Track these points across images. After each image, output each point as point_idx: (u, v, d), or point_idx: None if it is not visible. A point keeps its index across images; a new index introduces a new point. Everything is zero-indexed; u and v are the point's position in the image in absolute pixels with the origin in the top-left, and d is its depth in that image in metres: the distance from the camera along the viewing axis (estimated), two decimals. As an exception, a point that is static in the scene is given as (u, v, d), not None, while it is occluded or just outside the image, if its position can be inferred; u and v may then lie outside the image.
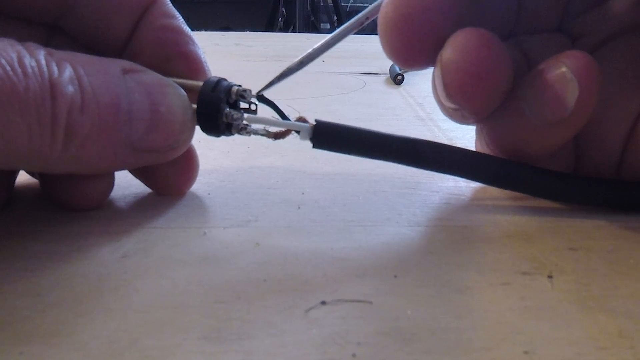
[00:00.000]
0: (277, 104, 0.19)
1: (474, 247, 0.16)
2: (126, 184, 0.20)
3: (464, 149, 0.19)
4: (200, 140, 0.19)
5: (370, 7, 0.19)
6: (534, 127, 0.18)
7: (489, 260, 0.16)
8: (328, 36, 0.19)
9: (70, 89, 0.14)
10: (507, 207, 0.20)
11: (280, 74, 0.19)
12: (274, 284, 0.14)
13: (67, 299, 0.13)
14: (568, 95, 0.17)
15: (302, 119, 0.19)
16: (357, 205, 0.19)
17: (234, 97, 0.18)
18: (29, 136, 0.13)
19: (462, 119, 0.19)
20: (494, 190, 0.21)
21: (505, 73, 0.17)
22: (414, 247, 0.17)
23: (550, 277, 0.15)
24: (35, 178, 0.20)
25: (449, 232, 0.18)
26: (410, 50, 0.18)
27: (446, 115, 0.20)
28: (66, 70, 0.14)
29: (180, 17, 0.19)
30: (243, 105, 0.18)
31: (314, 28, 2.36)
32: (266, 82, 0.19)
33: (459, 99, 0.17)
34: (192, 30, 0.19)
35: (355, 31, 0.19)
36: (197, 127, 0.18)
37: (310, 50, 0.19)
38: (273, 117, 0.18)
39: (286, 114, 0.19)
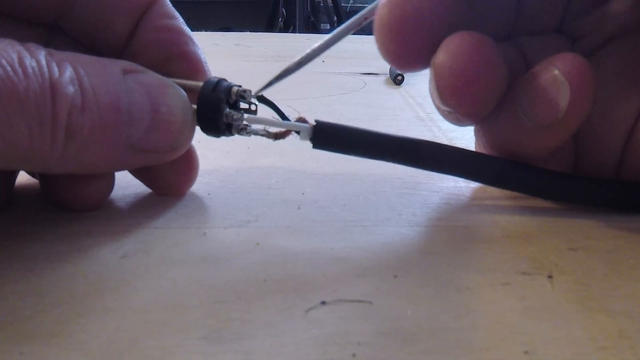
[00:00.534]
0: (277, 105, 0.19)
1: (474, 247, 0.16)
2: (126, 184, 0.20)
3: (464, 149, 0.19)
4: (200, 140, 0.19)
5: (368, 7, 0.19)
6: (528, 129, 0.18)
7: (489, 260, 0.16)
8: (326, 37, 0.19)
9: (70, 89, 0.14)
10: (507, 207, 0.20)
11: (278, 75, 0.19)
12: (274, 284, 0.14)
13: (67, 299, 0.13)
14: (560, 98, 0.17)
15: (302, 120, 0.19)
16: (357, 205, 0.19)
17: (234, 97, 0.18)
18: (29, 137, 0.13)
19: (457, 122, 0.19)
20: (494, 191, 0.21)
21: (498, 77, 0.17)
22: (414, 247, 0.17)
23: (550, 277, 0.15)
24: (36, 178, 0.20)
25: (448, 232, 0.18)
26: (405, 52, 0.18)
27: (442, 117, 0.20)
28: (67, 70, 0.14)
29: (180, 18, 0.19)
30: (243, 105, 0.18)
31: (314, 28, 2.36)
32: (265, 83, 0.19)
33: (452, 103, 0.17)
34: (192, 30, 0.19)
35: (353, 32, 0.19)
36: (197, 128, 0.18)
37: (308, 50, 0.19)
38: (273, 117, 0.18)
39: (286, 114, 0.19)
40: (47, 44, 0.18)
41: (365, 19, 0.19)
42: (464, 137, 0.29)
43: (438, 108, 0.19)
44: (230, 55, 0.67)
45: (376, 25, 0.18)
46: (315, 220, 0.18)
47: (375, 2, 0.18)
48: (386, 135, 0.19)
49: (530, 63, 0.20)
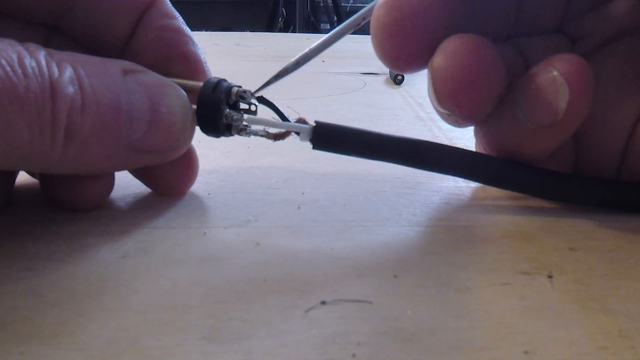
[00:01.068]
0: (277, 105, 0.19)
1: (474, 247, 0.16)
2: (126, 184, 0.20)
3: (464, 149, 0.19)
4: (200, 140, 0.19)
5: (367, 7, 0.19)
6: (527, 130, 0.18)
7: (489, 260, 0.16)
8: (325, 36, 0.19)
9: (70, 89, 0.14)
10: (507, 207, 0.20)
11: (276, 74, 0.19)
12: (274, 284, 0.14)
13: (67, 299, 0.13)
14: (559, 99, 0.17)
15: (301, 120, 0.19)
16: (357, 205, 0.19)
17: (234, 98, 0.18)
18: (29, 137, 0.13)
19: (455, 123, 0.19)
20: (494, 190, 0.21)
21: (496, 79, 0.17)
22: (414, 247, 0.17)
23: (550, 277, 0.15)
24: (35, 178, 0.20)
25: (448, 232, 0.18)
26: (401, 53, 0.18)
27: (441, 118, 0.20)
28: (66, 70, 0.14)
29: (180, 17, 0.19)
30: (243, 106, 0.18)
31: (314, 28, 2.36)
32: (262, 83, 0.19)
33: (450, 105, 0.17)
34: (192, 30, 0.19)
35: (351, 31, 0.19)
36: (197, 128, 0.18)
37: (306, 50, 0.19)
38: (273, 118, 0.18)
39: (286, 115, 0.19)
40: (46, 44, 0.18)
41: (364, 19, 0.19)
42: (464, 137, 0.29)
43: (436, 110, 0.19)
44: (230, 55, 0.67)
45: (373, 26, 0.18)
46: (315, 220, 0.18)
47: (374, 2, 0.18)
48: (386, 135, 0.19)
49: (530, 64, 0.20)
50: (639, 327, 0.13)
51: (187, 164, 0.20)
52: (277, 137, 0.19)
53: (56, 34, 0.18)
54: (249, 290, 0.14)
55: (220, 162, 0.24)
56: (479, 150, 0.22)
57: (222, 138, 0.18)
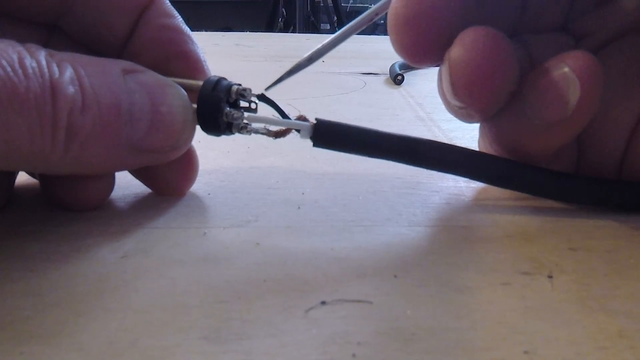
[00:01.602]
0: (277, 103, 0.19)
1: (474, 247, 0.16)
2: (126, 184, 0.20)
3: (464, 148, 0.19)
4: (200, 140, 0.19)
5: (379, 3, 0.19)
6: (534, 127, 0.18)
7: (489, 260, 0.16)
8: (336, 33, 0.19)
9: (71, 89, 0.14)
10: (507, 207, 0.20)
11: (289, 70, 0.19)
12: (274, 284, 0.14)
13: (67, 299, 0.13)
14: (569, 95, 0.17)
15: (302, 118, 0.19)
16: (357, 205, 0.19)
17: (234, 96, 0.18)
18: (29, 137, 0.13)
19: (467, 117, 0.19)
20: (493, 190, 0.21)
21: (512, 72, 0.17)
22: (414, 247, 0.17)
23: (550, 277, 0.15)
24: (35, 179, 0.20)
25: (449, 232, 0.18)
26: (420, 46, 0.18)
27: (451, 113, 0.20)
28: (67, 71, 0.14)
29: (179, 17, 0.19)
30: (243, 104, 0.18)
31: (314, 28, 2.36)
32: (269, 80, 0.19)
33: (466, 98, 0.17)
34: (192, 30, 0.19)
35: (364, 27, 0.19)
36: (197, 127, 0.18)
37: (319, 46, 0.19)
38: (273, 115, 0.18)
39: (286, 112, 0.19)
40: (46, 44, 0.18)
41: (377, 14, 0.19)
42: (464, 137, 0.29)
43: (448, 103, 0.19)
44: (230, 55, 0.67)
45: (390, 20, 0.18)
46: (315, 220, 0.18)
47: None
48: (386, 133, 0.19)
49: (534, 61, 0.20)
50: (639, 327, 0.13)
51: (187, 164, 0.20)
52: (277, 134, 0.19)
53: (55, 34, 0.18)
54: (249, 290, 0.14)
55: (220, 162, 0.24)
56: (483, 148, 0.22)
57: (222, 137, 0.18)
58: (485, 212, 0.19)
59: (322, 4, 2.42)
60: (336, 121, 0.19)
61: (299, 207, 0.19)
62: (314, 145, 0.19)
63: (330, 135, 0.18)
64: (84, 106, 0.14)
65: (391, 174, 0.22)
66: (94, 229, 0.17)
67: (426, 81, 0.48)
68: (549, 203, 0.20)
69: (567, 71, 0.17)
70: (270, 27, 2.30)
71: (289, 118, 0.18)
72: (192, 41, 0.19)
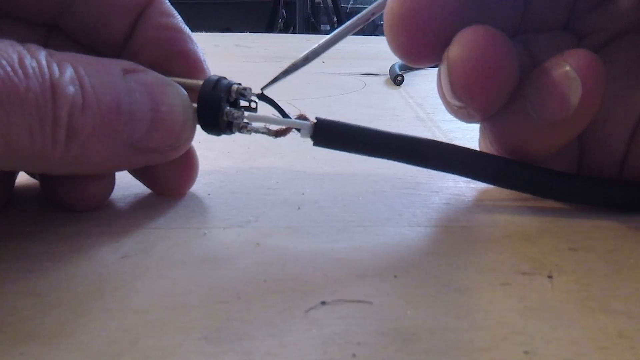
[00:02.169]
0: (278, 103, 0.19)
1: (474, 247, 0.16)
2: (126, 185, 0.20)
3: (464, 147, 0.19)
4: (200, 140, 0.19)
5: (376, 3, 0.19)
6: (537, 126, 0.18)
7: (489, 260, 0.16)
8: (332, 33, 0.19)
9: (71, 89, 0.14)
10: (507, 207, 0.20)
11: (285, 69, 0.19)
12: (274, 284, 0.14)
13: (67, 300, 0.13)
14: (571, 94, 0.17)
15: (302, 117, 0.19)
16: (357, 206, 0.19)
17: (234, 95, 0.18)
18: (30, 137, 0.13)
19: (467, 117, 0.19)
20: (494, 191, 0.21)
21: (511, 71, 0.17)
22: (414, 247, 0.17)
23: (550, 277, 0.15)
24: (35, 179, 0.20)
25: (448, 232, 0.18)
26: (417, 46, 0.18)
27: (450, 113, 0.20)
28: (67, 70, 0.14)
29: (179, 16, 0.19)
30: (243, 103, 0.18)
31: (314, 29, 2.37)
32: (268, 80, 0.19)
33: (465, 97, 0.17)
34: (192, 31, 0.19)
35: (360, 27, 0.19)
36: (197, 127, 0.18)
37: (315, 46, 0.19)
38: (274, 115, 0.18)
39: (286, 111, 0.19)
40: (45, 43, 0.18)
41: (373, 14, 0.19)
42: (464, 138, 0.29)
43: (447, 103, 0.19)
44: (230, 56, 0.67)
45: (387, 19, 0.18)
46: (315, 220, 0.18)
47: None
48: (387, 132, 0.19)
49: (536, 60, 0.20)
50: (639, 327, 0.13)
51: (187, 164, 0.20)
52: (278, 133, 0.19)
53: (55, 34, 0.18)
54: (249, 290, 0.14)
55: (220, 163, 0.24)
56: (483, 148, 0.22)
57: (222, 137, 0.18)
58: (485, 212, 0.19)
59: (322, 5, 2.42)
60: (336, 120, 0.19)
61: (299, 208, 0.19)
62: (314, 144, 0.19)
63: (330, 134, 0.18)
64: (84, 106, 0.14)
65: (391, 175, 0.22)
66: (94, 229, 0.17)
67: (426, 82, 0.48)
68: (549, 203, 0.20)
69: (569, 70, 0.17)
70: (270, 28, 2.30)
71: (289, 117, 0.18)
72: (192, 41, 0.19)
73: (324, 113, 0.19)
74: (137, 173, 0.20)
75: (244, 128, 0.18)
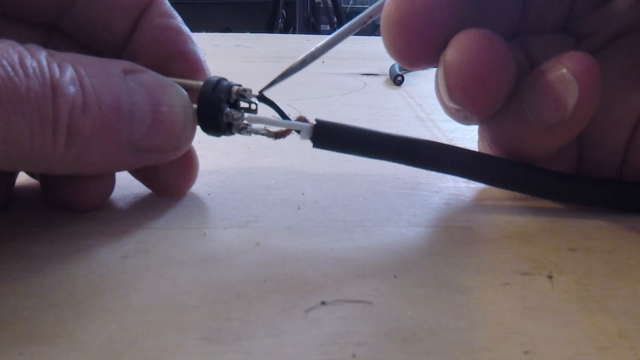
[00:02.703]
0: (278, 104, 0.19)
1: (473, 247, 0.16)
2: (126, 185, 0.20)
3: (464, 148, 0.19)
4: (200, 141, 0.19)
5: (373, 5, 0.19)
6: (534, 128, 0.18)
7: (489, 260, 0.16)
8: (330, 35, 0.19)
9: (71, 89, 0.14)
10: (507, 207, 0.20)
11: (282, 73, 0.19)
12: (274, 284, 0.14)
13: (67, 300, 0.13)
14: (568, 96, 0.17)
15: (302, 119, 0.19)
16: (357, 206, 0.19)
17: (234, 96, 0.18)
18: (30, 137, 0.13)
19: (464, 119, 0.19)
20: (494, 191, 0.21)
21: (508, 74, 0.17)
22: (414, 247, 0.17)
23: (550, 277, 0.15)
24: (35, 179, 0.20)
25: (448, 232, 0.18)
26: (413, 49, 0.18)
27: (448, 115, 0.20)
28: (67, 71, 0.14)
29: (179, 17, 0.19)
30: (243, 104, 0.18)
31: (314, 29, 2.37)
32: (267, 82, 0.19)
33: (462, 100, 0.17)
34: (192, 31, 0.19)
35: (357, 30, 0.19)
36: (197, 128, 0.18)
37: (312, 49, 0.19)
38: (273, 116, 0.18)
39: (286, 113, 0.19)
40: (46, 44, 0.18)
41: (370, 17, 0.19)
42: (464, 138, 0.29)
43: (445, 106, 0.19)
44: (230, 56, 0.67)
45: (383, 23, 0.18)
46: (315, 220, 0.18)
47: (381, 1, 0.18)
48: (386, 134, 0.19)
49: (535, 62, 0.20)
50: (639, 327, 0.13)
51: (187, 165, 0.20)
52: (277, 135, 0.19)
53: (55, 34, 0.18)
54: (249, 290, 0.14)
55: (220, 163, 0.24)
56: (482, 149, 0.22)
57: (222, 138, 0.18)
58: (485, 212, 0.19)
59: (322, 5, 2.42)
60: (336, 122, 0.19)
61: (298, 208, 0.19)
62: (314, 146, 0.19)
63: (330, 136, 0.18)
64: (85, 106, 0.14)
65: (391, 175, 0.22)
66: (94, 230, 0.17)
67: (426, 82, 0.48)
68: (549, 203, 0.20)
69: (565, 72, 0.17)
70: (270, 28, 2.30)
71: (289, 119, 0.18)
72: (192, 41, 0.19)
73: (324, 113, 0.19)
74: (137, 173, 0.20)
75: (243, 129, 0.18)
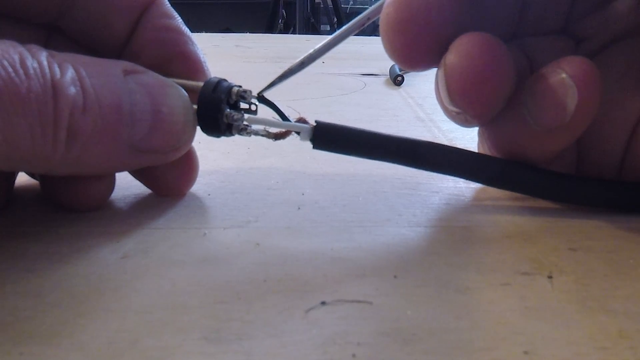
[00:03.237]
0: (277, 105, 0.19)
1: (474, 247, 0.17)
2: (126, 185, 0.20)
3: (464, 149, 0.19)
4: (200, 141, 0.19)
5: (372, 7, 0.19)
6: (534, 132, 0.18)
7: (489, 260, 0.16)
8: (329, 37, 0.19)
9: (72, 90, 0.14)
10: (507, 207, 0.20)
11: (281, 75, 0.19)
12: (274, 285, 0.14)
13: (68, 300, 0.13)
14: (567, 101, 0.17)
15: (302, 120, 0.19)
16: (357, 206, 0.19)
17: (234, 97, 0.18)
18: (31, 137, 0.13)
19: (464, 123, 0.19)
20: (494, 191, 0.21)
21: (508, 78, 0.17)
22: (414, 247, 0.17)
23: (550, 277, 0.15)
24: (35, 179, 0.20)
25: (448, 232, 0.18)
26: (412, 51, 0.18)
27: (449, 118, 0.20)
28: (68, 71, 0.14)
29: (179, 18, 0.19)
30: (243, 105, 0.18)
31: (314, 30, 2.37)
32: (267, 83, 0.19)
33: (462, 104, 0.17)
34: (193, 31, 0.19)
35: (356, 32, 0.19)
36: (197, 128, 0.18)
37: (311, 51, 0.19)
38: (273, 117, 0.18)
39: (286, 114, 0.19)
40: (46, 44, 0.18)
41: (368, 19, 0.19)
42: (464, 138, 0.29)
43: (445, 109, 0.19)
44: (230, 56, 0.67)
45: (382, 24, 0.18)
46: (315, 220, 0.18)
47: (379, 3, 0.18)
48: (386, 135, 0.19)
49: (534, 64, 0.20)
50: (639, 327, 0.13)
51: (187, 165, 0.20)
52: (277, 136, 0.19)
53: (55, 35, 0.18)
54: (249, 290, 0.14)
55: (220, 163, 0.24)
56: (482, 151, 0.22)
57: (222, 138, 0.18)
58: (485, 212, 0.19)
59: (322, 5, 2.43)
60: (336, 123, 0.19)
61: (298, 208, 0.19)
62: (314, 147, 0.19)
63: (329, 137, 0.19)
64: (85, 107, 0.14)
65: (391, 175, 0.22)
66: (95, 230, 0.17)
67: (426, 82, 0.48)
68: (549, 203, 0.20)
69: (565, 77, 0.17)
70: (270, 29, 2.30)
71: (288, 120, 0.19)
72: (192, 42, 0.19)
73: (324, 113, 0.19)
74: (137, 173, 0.20)
75: (243, 130, 0.18)
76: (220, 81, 0.18)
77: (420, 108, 0.37)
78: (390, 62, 0.50)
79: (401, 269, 0.15)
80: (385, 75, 0.51)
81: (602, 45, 0.20)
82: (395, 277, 0.15)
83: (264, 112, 0.18)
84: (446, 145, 0.20)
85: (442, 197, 0.20)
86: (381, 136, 0.19)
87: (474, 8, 0.19)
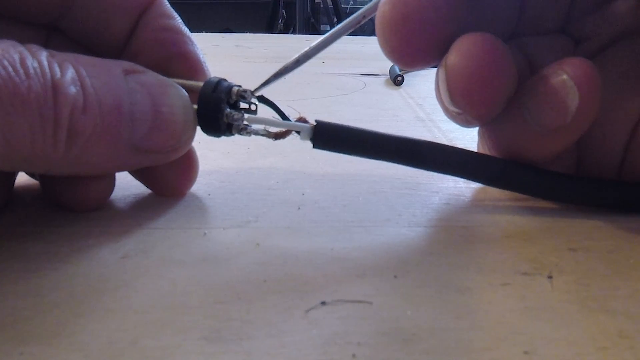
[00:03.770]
0: (277, 105, 0.19)
1: (474, 247, 0.17)
2: (126, 185, 0.20)
3: (464, 149, 0.19)
4: (200, 141, 0.19)
5: (367, 5, 0.19)
6: (534, 132, 0.18)
7: (489, 260, 0.16)
8: (325, 35, 0.19)
9: (72, 90, 0.14)
10: (507, 207, 0.20)
11: (276, 73, 0.19)
12: (274, 285, 0.14)
13: (68, 300, 0.13)
14: (568, 102, 0.17)
15: (302, 119, 0.19)
16: (357, 206, 0.19)
17: (234, 97, 0.18)
18: (31, 137, 0.13)
19: (465, 123, 0.19)
20: (494, 191, 0.21)
21: (509, 79, 0.17)
22: (414, 247, 0.17)
23: (550, 277, 0.15)
24: (35, 179, 0.20)
25: (448, 232, 0.18)
26: (408, 49, 0.18)
27: (449, 118, 0.20)
28: (68, 71, 0.14)
29: (179, 18, 0.19)
30: (243, 105, 0.18)
31: (314, 29, 2.37)
32: (262, 81, 0.19)
33: (463, 104, 0.17)
34: (192, 31, 0.19)
35: (352, 30, 0.19)
36: (198, 128, 0.18)
37: (306, 49, 0.19)
38: (273, 117, 0.18)
39: (286, 114, 0.19)
40: (46, 44, 0.18)
41: (364, 17, 0.19)
42: (464, 138, 0.29)
43: (446, 109, 0.19)
44: (230, 56, 0.67)
45: (378, 23, 0.18)
46: (315, 220, 0.18)
47: (375, 1, 0.18)
48: (386, 135, 0.19)
49: (534, 64, 0.20)
50: (639, 327, 0.13)
51: (187, 165, 0.20)
52: (277, 136, 0.19)
53: (55, 35, 0.18)
54: (249, 290, 0.14)
55: (220, 163, 0.24)
56: (482, 151, 0.22)
57: (222, 138, 0.18)
58: (485, 212, 0.19)
59: (322, 5, 2.42)
60: (336, 123, 0.19)
61: (299, 208, 0.19)
62: (314, 146, 0.19)
63: (330, 137, 0.18)
64: (86, 106, 0.14)
65: (391, 175, 0.22)
66: (95, 230, 0.17)
67: (426, 82, 0.48)
68: (549, 203, 0.20)
69: (566, 78, 0.17)
70: (270, 28, 2.30)
71: (288, 120, 0.19)
72: (192, 42, 0.19)
73: (324, 113, 0.19)
74: (137, 173, 0.20)
75: (243, 130, 0.18)
76: (220, 81, 0.18)
77: (420, 108, 0.37)
78: (390, 62, 0.50)
79: (401, 269, 0.15)
80: (385, 75, 0.51)
81: (602, 46, 0.20)
82: (395, 277, 0.15)
83: (264, 111, 0.18)
84: (446, 145, 0.20)
85: (442, 197, 0.20)
86: (381, 136, 0.19)
87: (472, 7, 0.19)
